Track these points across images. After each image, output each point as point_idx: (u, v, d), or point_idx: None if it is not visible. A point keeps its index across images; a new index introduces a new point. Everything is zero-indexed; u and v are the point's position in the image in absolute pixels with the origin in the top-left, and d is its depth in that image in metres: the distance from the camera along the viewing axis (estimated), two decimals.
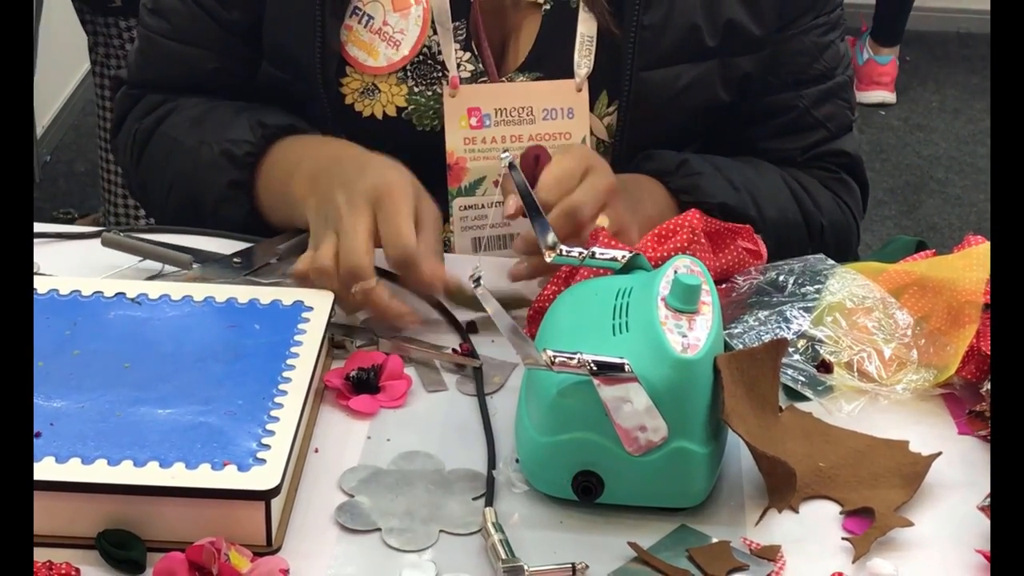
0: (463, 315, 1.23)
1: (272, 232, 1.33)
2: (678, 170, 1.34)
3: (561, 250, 1.11)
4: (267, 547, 0.96)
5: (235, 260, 1.27)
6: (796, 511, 1.02)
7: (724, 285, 1.23)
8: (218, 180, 1.35)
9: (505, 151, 1.13)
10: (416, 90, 1.36)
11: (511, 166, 1.10)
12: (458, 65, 1.35)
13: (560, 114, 1.36)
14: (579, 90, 1.35)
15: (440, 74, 1.35)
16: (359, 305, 1.18)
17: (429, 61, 1.35)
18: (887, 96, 4.20)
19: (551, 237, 1.11)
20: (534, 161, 1.24)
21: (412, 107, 1.36)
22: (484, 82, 1.36)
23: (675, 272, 1.03)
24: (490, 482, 1.03)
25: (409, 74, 1.36)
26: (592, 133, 1.37)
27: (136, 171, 1.45)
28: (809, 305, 1.18)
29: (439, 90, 1.35)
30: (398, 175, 1.21)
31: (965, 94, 4.28)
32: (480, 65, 1.36)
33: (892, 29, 4.18)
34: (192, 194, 1.38)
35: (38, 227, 1.35)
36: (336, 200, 1.19)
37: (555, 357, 0.96)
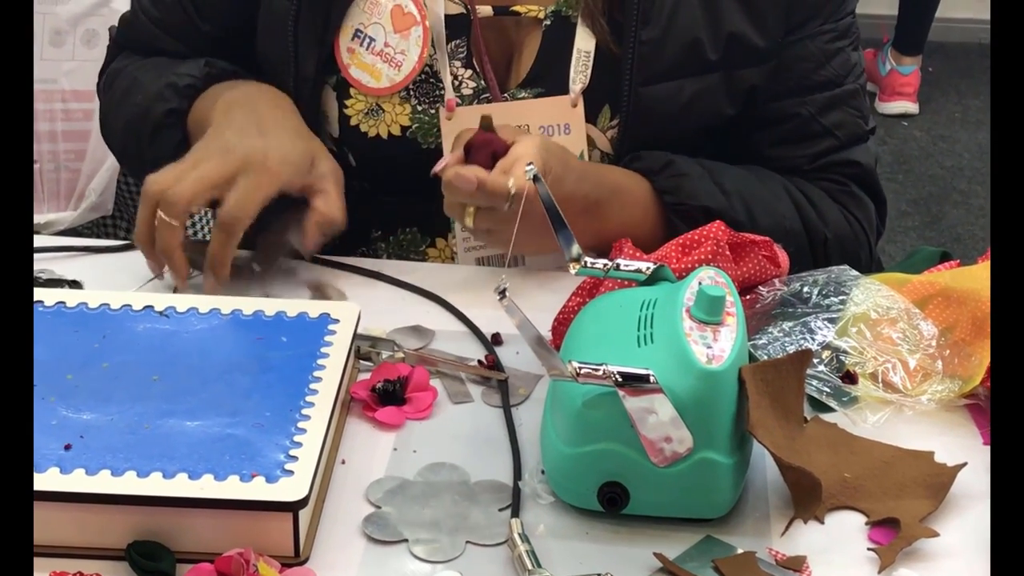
0: (488, 327, 1.24)
1: None
2: (663, 170, 1.34)
3: (585, 262, 1.12)
4: (295, 558, 0.96)
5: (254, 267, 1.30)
6: (821, 522, 1.02)
7: (748, 296, 1.23)
8: (158, 109, 1.39)
9: (529, 163, 1.14)
10: (419, 109, 1.37)
11: (536, 178, 1.11)
12: (460, 83, 1.36)
13: (557, 130, 1.36)
14: (574, 105, 1.35)
15: (442, 91, 1.36)
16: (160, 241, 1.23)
17: (431, 80, 1.36)
18: (910, 107, 4.20)
19: (575, 249, 1.11)
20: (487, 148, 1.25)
21: (416, 125, 1.37)
22: (486, 99, 1.36)
23: (699, 283, 1.03)
24: (516, 493, 1.04)
25: (412, 93, 1.36)
26: (596, 146, 1.37)
27: (103, 106, 1.52)
28: (833, 316, 1.19)
29: (442, 107, 1.36)
30: (291, 149, 1.27)
31: (988, 105, 4.27)
32: (482, 82, 1.36)
33: (914, 37, 4.18)
34: (136, 124, 1.43)
35: (67, 241, 1.37)
36: (222, 137, 1.26)
37: (580, 368, 0.96)
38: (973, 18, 4.62)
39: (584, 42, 1.35)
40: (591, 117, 1.35)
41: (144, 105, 1.41)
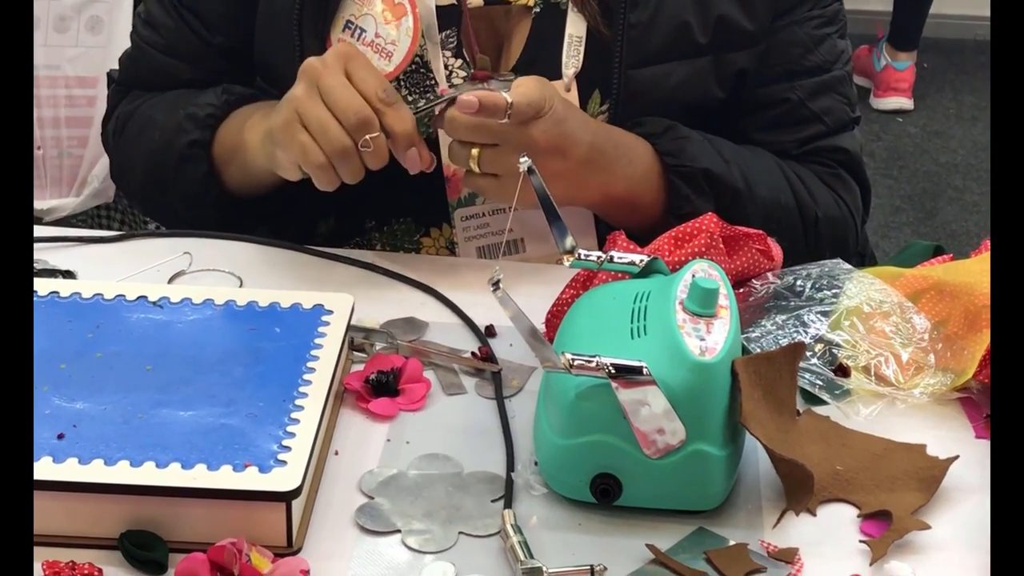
0: (482, 319, 1.24)
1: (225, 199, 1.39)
2: (665, 133, 1.34)
3: (579, 254, 1.12)
4: (288, 548, 0.97)
5: None
6: (814, 514, 1.03)
7: (742, 289, 1.23)
8: (180, 141, 1.38)
9: (523, 156, 1.14)
10: (410, 99, 1.36)
11: (530, 170, 1.11)
12: (451, 73, 1.36)
13: None
14: (567, 90, 1.35)
15: (434, 82, 1.36)
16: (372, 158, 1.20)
17: (422, 70, 1.36)
18: (904, 102, 4.20)
19: (569, 241, 1.11)
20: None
21: None
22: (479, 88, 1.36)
23: (693, 276, 1.03)
24: (509, 484, 1.04)
25: (403, 83, 1.36)
26: None
27: (116, 153, 1.50)
28: (827, 309, 1.19)
29: (432, 97, 1.36)
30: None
31: (983, 101, 4.28)
32: (472, 71, 1.36)
33: (909, 33, 4.18)
34: (157, 161, 1.41)
35: (61, 231, 1.37)
36: (292, 93, 1.22)
37: (574, 360, 0.97)
38: (968, 14, 4.62)
39: (575, 27, 1.35)
40: (581, 102, 1.36)
41: (164, 139, 1.40)
